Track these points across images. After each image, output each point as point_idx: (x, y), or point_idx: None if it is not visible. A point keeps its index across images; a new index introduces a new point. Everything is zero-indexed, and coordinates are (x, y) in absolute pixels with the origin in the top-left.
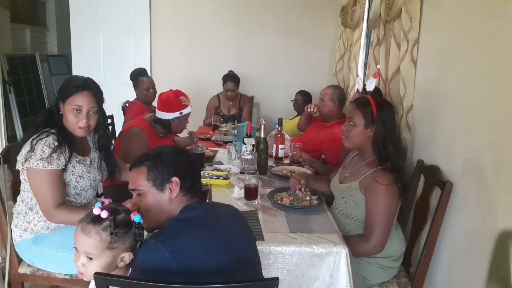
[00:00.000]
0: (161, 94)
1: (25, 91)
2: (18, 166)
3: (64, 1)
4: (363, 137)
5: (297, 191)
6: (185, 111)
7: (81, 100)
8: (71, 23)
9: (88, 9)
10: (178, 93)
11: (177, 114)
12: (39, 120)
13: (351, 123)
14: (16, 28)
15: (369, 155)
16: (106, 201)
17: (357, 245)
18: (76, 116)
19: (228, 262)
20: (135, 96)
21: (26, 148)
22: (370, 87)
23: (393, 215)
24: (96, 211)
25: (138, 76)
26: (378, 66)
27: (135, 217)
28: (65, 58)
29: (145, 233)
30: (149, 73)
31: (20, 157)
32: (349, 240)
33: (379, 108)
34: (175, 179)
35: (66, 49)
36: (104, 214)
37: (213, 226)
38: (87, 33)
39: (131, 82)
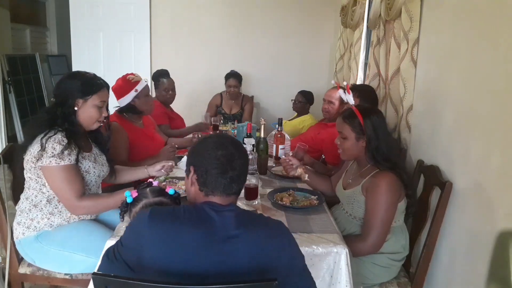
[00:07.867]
0: (113, 87)
1: (25, 91)
2: (27, 165)
3: (64, 1)
4: (357, 148)
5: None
6: (139, 87)
7: (105, 96)
8: (71, 23)
9: (88, 9)
10: (124, 76)
11: (133, 93)
12: (45, 117)
13: (343, 137)
14: (16, 28)
15: (366, 163)
16: (168, 188)
17: (354, 244)
18: (98, 111)
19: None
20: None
21: (35, 147)
22: (350, 101)
23: (392, 216)
24: (140, 188)
25: (160, 77)
26: (345, 83)
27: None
28: (65, 58)
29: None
30: (149, 73)
31: (29, 156)
32: (347, 239)
33: (365, 116)
34: (192, 168)
35: (66, 49)
36: (134, 194)
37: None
38: (87, 33)
39: None
